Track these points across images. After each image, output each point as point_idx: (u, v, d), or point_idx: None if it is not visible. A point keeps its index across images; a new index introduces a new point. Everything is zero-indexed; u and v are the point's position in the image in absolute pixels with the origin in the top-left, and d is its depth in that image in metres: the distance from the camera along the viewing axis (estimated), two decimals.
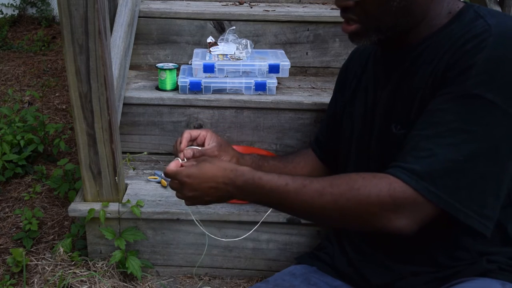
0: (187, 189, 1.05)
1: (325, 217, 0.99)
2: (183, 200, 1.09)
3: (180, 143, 1.17)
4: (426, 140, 0.94)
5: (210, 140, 1.22)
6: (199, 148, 1.19)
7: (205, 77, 1.88)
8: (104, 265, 1.60)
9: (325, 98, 1.89)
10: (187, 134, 1.19)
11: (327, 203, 0.95)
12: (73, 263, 1.62)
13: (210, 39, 2.02)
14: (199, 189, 1.04)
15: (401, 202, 0.92)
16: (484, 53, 0.92)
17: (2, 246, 1.78)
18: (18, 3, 4.10)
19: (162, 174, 1.79)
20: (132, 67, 2.12)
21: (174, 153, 1.18)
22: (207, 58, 1.92)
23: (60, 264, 1.60)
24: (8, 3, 4.07)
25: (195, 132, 1.21)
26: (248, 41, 1.97)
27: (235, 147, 1.85)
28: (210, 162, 1.04)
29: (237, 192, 1.02)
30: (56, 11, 4.05)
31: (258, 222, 1.60)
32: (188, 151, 1.14)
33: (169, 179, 1.09)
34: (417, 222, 0.93)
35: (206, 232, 1.38)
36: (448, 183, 0.91)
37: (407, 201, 0.92)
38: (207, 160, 1.06)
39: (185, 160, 1.11)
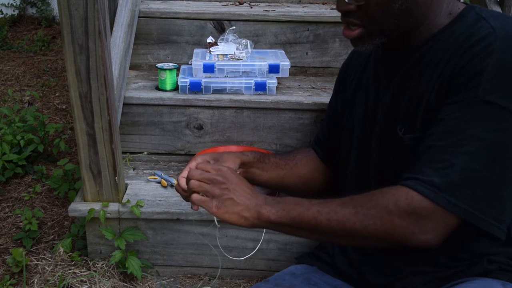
0: (223, 176, 0.99)
1: (348, 231, 0.96)
2: (198, 185, 0.99)
3: (183, 187, 1.10)
4: (442, 150, 0.94)
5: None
6: None
7: (205, 77, 1.88)
8: (104, 265, 1.60)
9: (325, 98, 1.88)
10: (183, 181, 1.10)
11: (349, 214, 0.95)
12: (73, 263, 1.62)
13: (210, 39, 2.02)
14: (234, 182, 0.98)
15: (421, 212, 0.92)
16: (493, 58, 0.92)
17: (2, 246, 1.78)
18: (18, 3, 4.09)
19: (162, 174, 1.79)
20: (132, 67, 2.12)
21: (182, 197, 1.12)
22: (207, 58, 1.92)
23: (60, 264, 1.60)
24: (8, 3, 4.06)
25: (186, 171, 1.13)
26: (248, 41, 1.97)
27: (234, 147, 1.86)
28: None
29: (264, 203, 0.98)
30: (56, 11, 4.05)
31: None
32: None
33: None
34: (442, 234, 0.94)
35: (220, 248, 1.38)
36: (468, 193, 0.92)
37: (426, 213, 0.92)
38: None
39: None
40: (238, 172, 1.22)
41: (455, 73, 0.96)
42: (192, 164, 1.15)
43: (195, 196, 0.99)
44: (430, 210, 0.92)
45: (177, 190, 1.12)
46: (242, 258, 1.59)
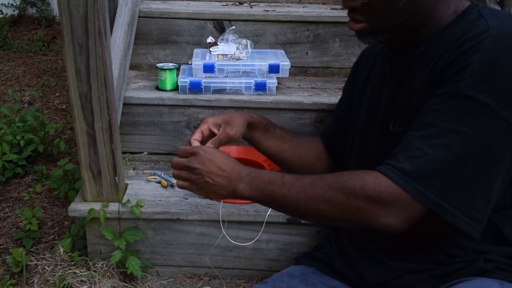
0: (196, 160, 1.05)
1: (315, 211, 0.99)
2: (181, 179, 1.08)
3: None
4: (419, 140, 0.95)
5: (215, 127, 1.21)
6: (214, 140, 1.19)
7: (205, 77, 1.88)
8: (104, 265, 1.60)
9: (325, 98, 1.89)
10: (196, 143, 1.17)
11: (316, 194, 0.98)
12: (73, 263, 1.62)
13: (210, 39, 2.02)
14: (207, 165, 1.04)
15: (386, 197, 0.93)
16: (480, 54, 0.93)
17: (2, 246, 1.78)
18: (18, 3, 4.09)
19: (162, 174, 1.79)
20: (132, 67, 2.12)
21: None
22: (207, 58, 1.92)
23: (60, 264, 1.60)
24: (8, 3, 4.06)
25: (198, 134, 1.19)
26: (248, 41, 1.97)
27: (234, 147, 1.86)
28: (226, 154, 1.09)
29: (239, 180, 1.03)
30: (56, 11, 4.05)
31: (258, 222, 1.60)
32: (209, 145, 1.14)
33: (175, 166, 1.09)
34: (406, 220, 0.95)
35: (225, 233, 1.38)
36: (437, 184, 0.92)
37: (392, 198, 0.93)
38: (222, 151, 1.10)
39: None
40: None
41: (445, 68, 0.97)
42: (204, 127, 1.20)
43: (179, 183, 1.08)
44: (395, 195, 0.93)
45: None
46: (243, 244, 1.60)
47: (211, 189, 1.05)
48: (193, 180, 1.05)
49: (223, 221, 1.59)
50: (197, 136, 1.18)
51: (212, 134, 1.21)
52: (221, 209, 1.61)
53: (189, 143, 1.16)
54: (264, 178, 1.03)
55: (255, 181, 1.03)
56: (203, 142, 1.19)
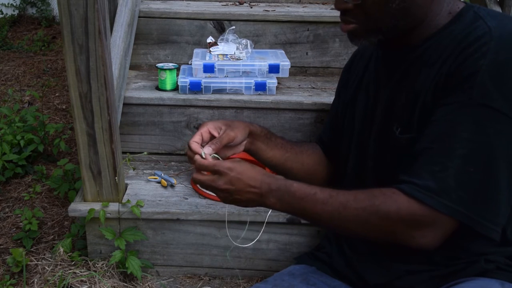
0: (223, 180, 1.02)
1: (349, 230, 1.01)
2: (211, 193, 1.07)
3: (195, 151, 1.10)
4: (437, 153, 0.95)
5: (215, 130, 1.17)
6: (215, 140, 1.13)
7: (205, 77, 1.88)
8: (104, 265, 1.60)
9: (325, 98, 1.89)
10: (195, 145, 1.12)
11: (350, 216, 0.98)
12: (73, 263, 1.62)
13: (210, 39, 2.02)
14: (235, 184, 1.02)
15: (421, 220, 0.94)
16: (487, 58, 0.92)
17: (2, 246, 1.78)
18: (18, 3, 4.09)
19: (162, 174, 1.79)
20: (132, 67, 2.12)
21: (191, 162, 1.12)
22: (207, 58, 1.92)
23: (60, 264, 1.60)
24: (8, 3, 4.06)
25: (198, 137, 1.15)
26: (248, 41, 1.97)
27: None
28: (250, 165, 1.05)
29: (269, 195, 1.02)
30: (56, 11, 4.05)
31: (258, 222, 1.60)
32: (208, 149, 1.09)
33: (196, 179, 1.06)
34: (440, 237, 0.96)
35: (229, 237, 1.38)
36: (463, 196, 0.92)
37: (426, 219, 0.94)
38: (245, 162, 1.06)
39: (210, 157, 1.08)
40: (245, 143, 1.23)
41: (451, 74, 0.97)
42: (204, 130, 1.16)
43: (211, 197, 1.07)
44: (430, 217, 0.94)
45: (187, 155, 1.13)
46: (242, 246, 1.60)
47: (241, 204, 1.05)
48: (221, 197, 1.05)
49: (223, 221, 1.59)
50: (197, 138, 1.14)
51: (212, 138, 1.19)
52: (223, 208, 1.61)
53: (189, 146, 1.14)
54: (296, 194, 1.01)
55: (285, 197, 1.02)
56: (202, 145, 1.16)
